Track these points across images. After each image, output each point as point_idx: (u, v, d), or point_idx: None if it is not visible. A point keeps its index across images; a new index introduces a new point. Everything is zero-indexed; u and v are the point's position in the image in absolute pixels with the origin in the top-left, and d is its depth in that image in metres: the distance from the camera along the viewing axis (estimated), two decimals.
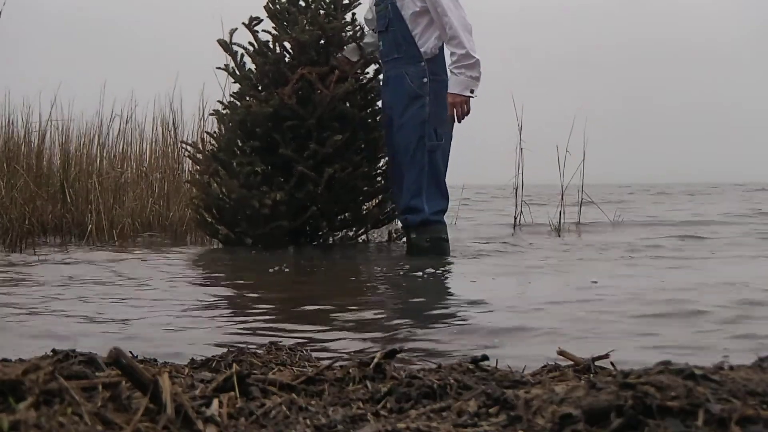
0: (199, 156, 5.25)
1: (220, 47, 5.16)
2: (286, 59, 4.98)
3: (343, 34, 5.01)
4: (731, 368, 1.21)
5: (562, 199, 7.13)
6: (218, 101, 5.27)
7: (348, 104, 4.92)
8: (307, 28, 4.89)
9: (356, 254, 4.98)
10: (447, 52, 4.63)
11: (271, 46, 5.03)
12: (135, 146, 7.20)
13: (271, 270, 4.03)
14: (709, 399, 1.03)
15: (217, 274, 4.25)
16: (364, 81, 5.06)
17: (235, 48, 5.10)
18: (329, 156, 4.76)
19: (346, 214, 5.14)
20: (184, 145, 6.52)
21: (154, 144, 7.20)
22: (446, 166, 4.72)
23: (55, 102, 6.89)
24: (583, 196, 7.39)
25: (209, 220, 5.18)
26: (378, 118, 5.00)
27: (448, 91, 4.56)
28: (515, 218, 7.15)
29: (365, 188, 5.05)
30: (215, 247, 5.42)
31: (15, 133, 6.76)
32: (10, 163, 6.15)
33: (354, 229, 5.28)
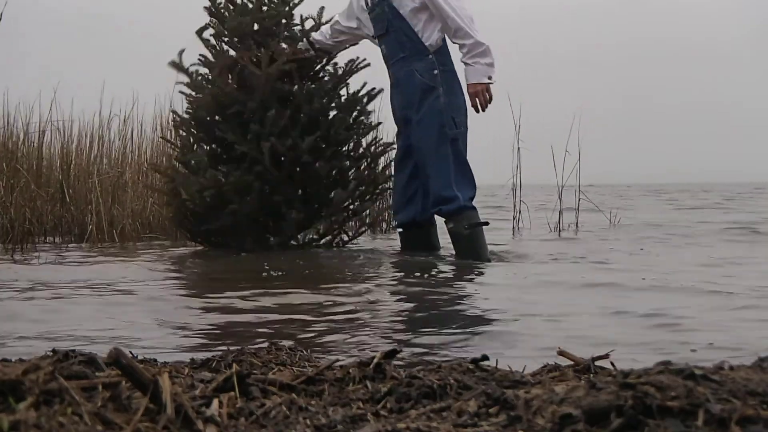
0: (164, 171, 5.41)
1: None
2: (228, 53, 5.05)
3: (284, 21, 5.05)
4: (731, 368, 1.21)
5: (560, 199, 7.15)
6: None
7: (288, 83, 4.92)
8: (239, 18, 4.98)
9: (345, 253, 4.95)
10: (451, 44, 4.64)
11: (213, 42, 5.10)
12: (135, 146, 7.20)
13: (264, 274, 4.02)
14: (709, 399, 1.03)
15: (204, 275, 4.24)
16: (305, 58, 5.03)
17: (190, 67, 5.13)
18: (270, 135, 4.79)
19: (316, 206, 5.04)
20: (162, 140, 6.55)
21: (154, 144, 7.21)
22: (466, 152, 4.71)
23: (55, 102, 6.89)
24: (581, 196, 7.41)
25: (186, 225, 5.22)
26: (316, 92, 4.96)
27: (467, 82, 4.58)
28: (513, 218, 7.15)
29: (318, 165, 4.96)
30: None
31: (15, 133, 6.77)
32: (10, 163, 6.15)
33: (328, 223, 5.10)
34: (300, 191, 5.00)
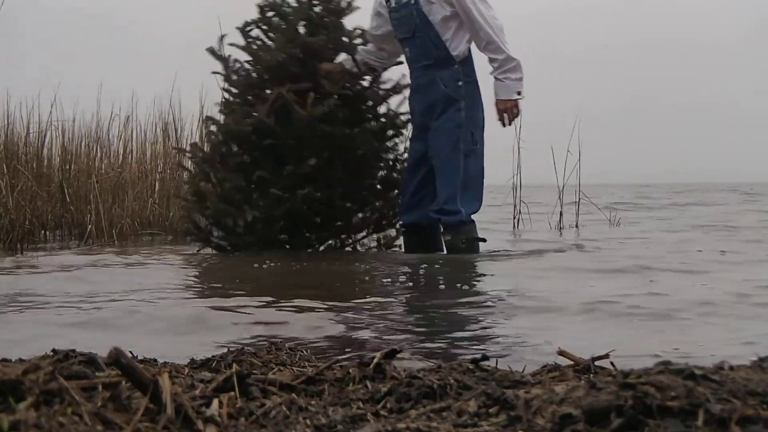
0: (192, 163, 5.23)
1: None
2: (266, 77, 4.87)
3: (330, 46, 4.86)
4: (731, 368, 1.21)
5: (561, 199, 7.16)
6: (216, 103, 5.19)
7: (330, 123, 4.73)
8: (284, 45, 4.77)
9: (349, 256, 4.95)
10: (478, 53, 4.60)
11: (252, 64, 4.94)
12: (135, 146, 7.21)
13: (264, 265, 4.01)
14: (709, 399, 1.03)
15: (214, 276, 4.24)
16: (352, 93, 4.86)
17: (228, 54, 4.99)
18: (305, 177, 4.69)
19: (337, 223, 5.03)
20: (177, 151, 6.49)
21: (154, 144, 7.22)
22: (483, 171, 4.68)
23: (55, 102, 6.90)
24: (581, 195, 7.42)
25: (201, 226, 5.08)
26: (357, 134, 4.83)
27: (497, 97, 4.54)
28: (514, 218, 7.16)
29: (348, 205, 4.96)
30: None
31: (15, 133, 6.77)
32: (10, 163, 6.16)
33: (342, 237, 5.12)
34: (320, 219, 4.96)
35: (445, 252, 4.70)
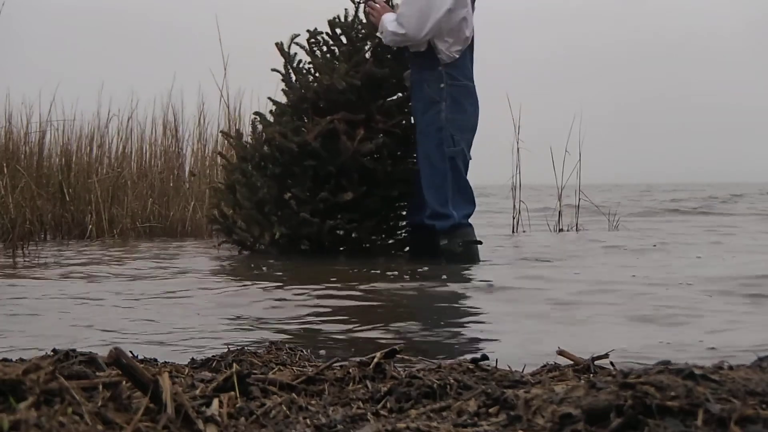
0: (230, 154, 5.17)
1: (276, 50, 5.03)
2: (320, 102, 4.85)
3: (393, 80, 4.88)
4: (731, 368, 1.22)
5: (560, 199, 7.16)
6: (269, 98, 5.12)
7: (374, 159, 4.76)
8: (348, 73, 4.76)
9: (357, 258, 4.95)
10: (479, 60, 4.71)
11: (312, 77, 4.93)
12: (135, 146, 7.21)
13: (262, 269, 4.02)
14: (708, 399, 1.03)
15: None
16: (401, 132, 4.86)
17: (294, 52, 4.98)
18: (339, 206, 4.70)
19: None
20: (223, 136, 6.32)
21: (154, 144, 7.22)
22: (467, 170, 4.70)
23: (55, 102, 6.90)
24: (581, 196, 7.42)
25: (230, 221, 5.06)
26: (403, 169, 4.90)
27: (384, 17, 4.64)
28: (513, 218, 7.16)
29: (374, 237, 4.98)
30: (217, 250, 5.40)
31: (15, 133, 6.78)
32: (10, 164, 6.16)
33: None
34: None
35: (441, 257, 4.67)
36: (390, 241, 5.08)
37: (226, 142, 5.63)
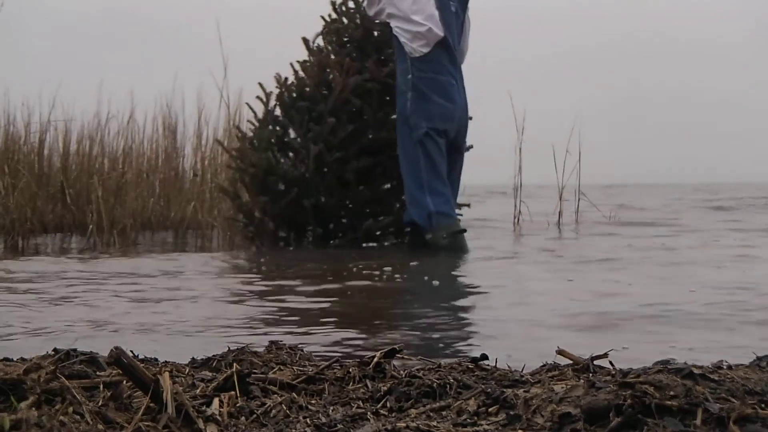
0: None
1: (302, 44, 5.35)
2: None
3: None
4: (730, 368, 1.22)
5: (560, 199, 7.16)
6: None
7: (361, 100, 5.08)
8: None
9: (358, 250, 4.97)
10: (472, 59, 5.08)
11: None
12: (136, 146, 7.21)
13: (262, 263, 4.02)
14: (707, 398, 1.04)
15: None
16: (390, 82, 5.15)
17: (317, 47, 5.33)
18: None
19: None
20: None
21: (154, 144, 7.22)
22: (444, 162, 4.84)
23: (55, 102, 6.90)
24: (580, 195, 7.42)
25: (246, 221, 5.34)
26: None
27: None
28: (515, 218, 7.16)
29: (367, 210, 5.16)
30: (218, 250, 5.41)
31: (15, 133, 6.78)
32: (10, 163, 6.16)
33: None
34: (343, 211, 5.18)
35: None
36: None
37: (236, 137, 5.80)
